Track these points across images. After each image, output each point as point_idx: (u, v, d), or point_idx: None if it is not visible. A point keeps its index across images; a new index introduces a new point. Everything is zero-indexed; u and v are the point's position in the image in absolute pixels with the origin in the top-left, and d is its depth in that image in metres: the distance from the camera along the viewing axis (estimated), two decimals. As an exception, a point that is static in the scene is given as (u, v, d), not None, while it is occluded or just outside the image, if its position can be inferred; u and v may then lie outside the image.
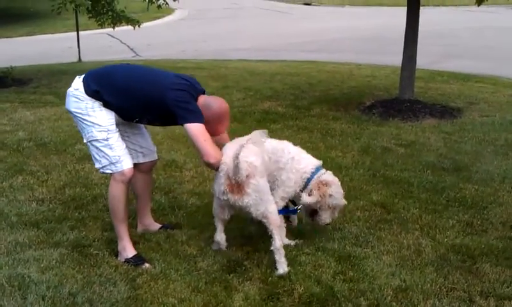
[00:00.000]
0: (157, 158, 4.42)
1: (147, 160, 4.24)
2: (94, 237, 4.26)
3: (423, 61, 9.88)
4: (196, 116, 3.79)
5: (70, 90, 3.95)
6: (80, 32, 15.47)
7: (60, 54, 15.68)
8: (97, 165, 3.93)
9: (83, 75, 3.99)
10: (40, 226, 4.42)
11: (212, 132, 3.90)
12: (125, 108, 3.91)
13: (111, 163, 3.84)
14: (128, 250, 3.93)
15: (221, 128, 4.03)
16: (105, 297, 3.45)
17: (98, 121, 3.83)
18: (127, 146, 3.97)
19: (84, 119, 3.86)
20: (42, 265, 3.78)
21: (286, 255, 3.90)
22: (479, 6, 8.00)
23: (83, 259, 3.91)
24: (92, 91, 3.85)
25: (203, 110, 3.84)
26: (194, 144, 3.80)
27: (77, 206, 4.84)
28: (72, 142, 6.70)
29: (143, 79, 3.97)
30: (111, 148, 3.83)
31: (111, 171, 3.87)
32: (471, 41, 16.70)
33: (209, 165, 3.84)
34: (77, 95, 3.89)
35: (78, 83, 3.93)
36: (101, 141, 3.83)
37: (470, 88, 9.96)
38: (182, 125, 3.79)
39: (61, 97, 9.43)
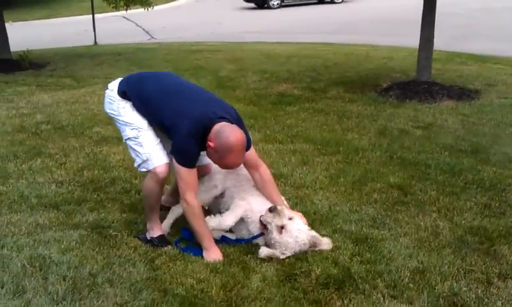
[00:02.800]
0: (209, 161, 4.02)
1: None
2: (113, 219, 4.30)
3: (440, 42, 9.79)
4: (185, 159, 3.66)
5: (107, 91, 4.03)
6: (96, 15, 15.54)
7: (76, 37, 15.76)
8: (135, 164, 3.97)
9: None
10: (59, 208, 4.47)
11: (219, 162, 3.72)
12: (145, 117, 3.90)
13: (143, 161, 3.86)
14: (155, 230, 3.96)
15: (227, 162, 3.67)
16: (125, 277, 3.49)
17: (130, 120, 3.88)
18: (165, 145, 3.95)
19: (118, 120, 3.95)
20: (62, 246, 3.83)
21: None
22: None
23: (102, 241, 3.95)
24: (121, 92, 3.93)
25: (215, 138, 3.58)
26: (177, 180, 3.77)
27: (95, 188, 4.89)
28: (89, 125, 6.75)
29: (164, 96, 3.83)
30: (141, 145, 3.86)
31: (145, 169, 3.89)
32: (489, 22, 16.49)
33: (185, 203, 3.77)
34: (110, 96, 3.97)
35: (114, 84, 4.00)
36: (133, 139, 3.88)
37: (488, 70, 9.86)
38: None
39: (78, 80, 9.56)
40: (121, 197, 4.71)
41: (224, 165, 3.76)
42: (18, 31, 15.11)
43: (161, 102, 3.79)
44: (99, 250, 3.81)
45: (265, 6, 25.37)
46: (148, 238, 3.96)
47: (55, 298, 3.26)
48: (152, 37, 17.24)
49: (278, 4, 25.58)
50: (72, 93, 8.54)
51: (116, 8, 12.01)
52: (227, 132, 3.57)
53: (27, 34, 16.96)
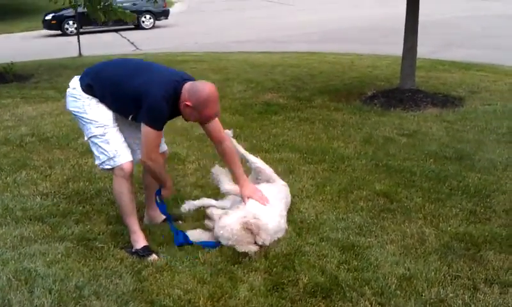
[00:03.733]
0: (166, 149, 4.45)
1: None
2: (99, 231, 4.27)
3: (424, 50, 9.87)
4: (156, 122, 3.77)
5: (68, 90, 4.03)
6: (80, 27, 15.47)
7: (60, 49, 15.68)
8: (97, 162, 3.98)
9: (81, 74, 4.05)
10: (44, 221, 4.44)
11: (200, 117, 3.92)
12: (116, 104, 3.92)
13: (109, 158, 3.88)
14: (139, 242, 3.96)
15: (209, 113, 3.89)
16: (112, 289, 3.47)
17: (95, 118, 3.89)
18: (133, 140, 4.02)
19: (83, 118, 3.93)
20: (48, 259, 3.80)
21: (290, 245, 3.95)
22: None
23: (88, 253, 3.92)
24: (86, 86, 3.93)
25: (190, 96, 3.80)
26: (142, 142, 3.84)
27: (81, 200, 4.86)
28: (74, 136, 6.71)
29: (127, 74, 3.93)
30: (108, 143, 3.89)
31: (109, 166, 3.90)
32: (472, 29, 16.66)
33: (144, 164, 3.96)
34: (74, 94, 3.97)
35: (75, 82, 4.00)
36: (99, 136, 3.89)
37: (472, 77, 9.95)
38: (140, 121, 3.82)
39: (62, 92, 9.42)
40: (107, 208, 4.69)
41: (205, 119, 3.96)
42: (2, 44, 15.01)
43: (126, 80, 3.87)
44: (85, 262, 3.79)
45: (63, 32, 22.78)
46: (133, 251, 3.93)
47: (41, 311, 3.24)
48: (137, 48, 17.22)
49: (73, 31, 22.15)
50: (56, 105, 8.49)
51: (97, 21, 11.98)
52: (199, 87, 3.83)
53: (11, 46, 16.86)
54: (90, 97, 3.91)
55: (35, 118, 7.77)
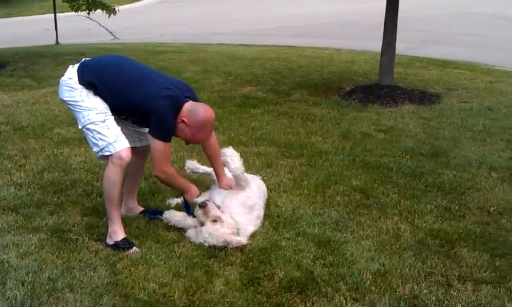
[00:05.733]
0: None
1: (144, 144, 4.24)
2: (73, 222, 4.23)
3: (402, 46, 9.93)
4: (165, 135, 3.91)
5: (63, 79, 3.98)
6: (58, 14, 15.26)
7: (37, 37, 15.48)
8: (95, 149, 3.92)
9: (77, 65, 4.02)
10: (18, 211, 4.37)
11: (192, 137, 4.02)
12: (114, 106, 3.95)
13: (109, 143, 3.83)
14: (118, 233, 3.92)
15: (201, 136, 4.05)
16: (86, 282, 3.44)
17: (94, 105, 3.88)
18: (124, 131, 3.99)
19: (79, 106, 3.90)
20: (21, 250, 3.75)
21: (266, 240, 3.95)
22: None
23: (63, 245, 3.88)
24: (86, 83, 3.91)
25: (189, 114, 3.90)
26: (153, 156, 4.01)
27: (55, 191, 4.80)
28: (50, 126, 6.63)
29: (132, 83, 3.95)
30: (108, 128, 3.86)
31: (109, 153, 3.84)
32: (450, 27, 16.79)
33: (157, 178, 4.16)
34: (70, 84, 3.93)
35: (72, 73, 3.96)
36: (97, 122, 3.86)
37: (449, 74, 10.04)
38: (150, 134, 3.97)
39: (39, 80, 9.39)
40: (82, 200, 4.64)
41: (194, 140, 4.12)
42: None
43: (131, 90, 3.91)
44: (59, 254, 3.75)
45: None
46: (111, 243, 3.89)
47: (13, 304, 3.20)
48: (116, 37, 17.05)
49: None
50: (32, 93, 8.37)
51: (77, 11, 11.80)
52: (201, 110, 3.95)
53: (-14, 32, 16.59)
54: (88, 89, 3.91)
55: (10, 106, 7.64)
